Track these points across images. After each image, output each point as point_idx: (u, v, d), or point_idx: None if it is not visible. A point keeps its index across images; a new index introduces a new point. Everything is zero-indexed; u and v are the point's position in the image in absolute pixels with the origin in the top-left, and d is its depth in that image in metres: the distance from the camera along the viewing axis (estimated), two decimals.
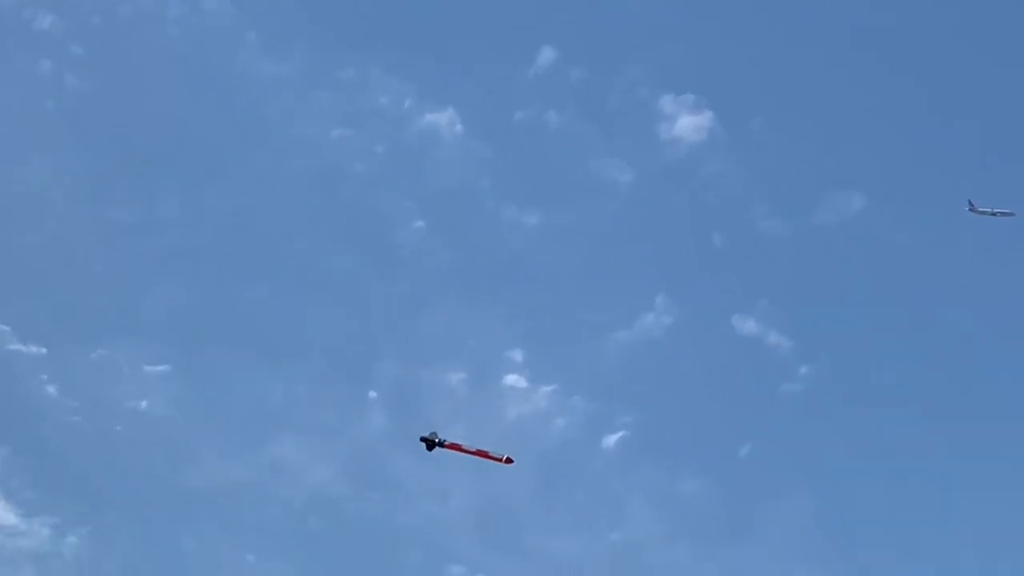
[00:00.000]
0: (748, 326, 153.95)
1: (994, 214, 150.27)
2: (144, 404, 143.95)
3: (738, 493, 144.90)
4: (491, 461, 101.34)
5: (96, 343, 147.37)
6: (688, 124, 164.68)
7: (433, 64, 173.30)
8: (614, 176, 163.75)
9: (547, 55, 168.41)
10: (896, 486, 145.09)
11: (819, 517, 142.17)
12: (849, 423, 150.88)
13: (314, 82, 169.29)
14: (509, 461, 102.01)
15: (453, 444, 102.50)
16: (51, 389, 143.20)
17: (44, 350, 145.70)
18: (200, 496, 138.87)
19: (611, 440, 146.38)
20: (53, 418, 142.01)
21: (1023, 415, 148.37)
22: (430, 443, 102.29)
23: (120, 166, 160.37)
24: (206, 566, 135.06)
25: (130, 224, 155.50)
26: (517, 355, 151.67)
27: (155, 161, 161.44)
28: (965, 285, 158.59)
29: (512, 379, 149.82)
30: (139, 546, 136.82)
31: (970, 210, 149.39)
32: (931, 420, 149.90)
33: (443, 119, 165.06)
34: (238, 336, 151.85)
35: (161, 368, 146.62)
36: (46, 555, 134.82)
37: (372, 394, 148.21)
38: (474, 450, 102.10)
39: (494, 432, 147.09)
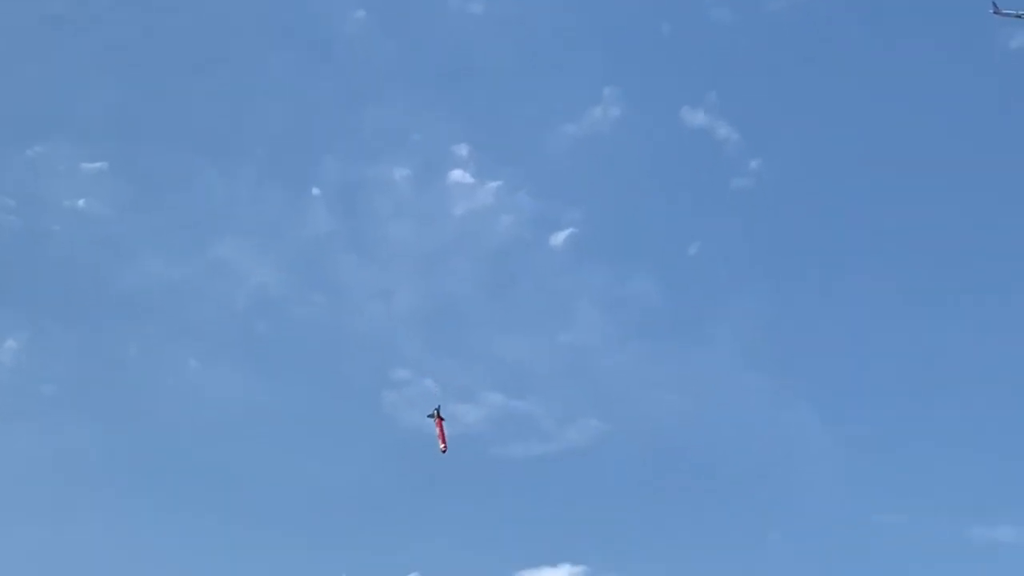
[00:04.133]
0: (697, 118, 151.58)
1: (1019, 16, 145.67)
2: (82, 203, 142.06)
3: (688, 293, 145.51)
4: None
5: (31, 140, 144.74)
6: None
7: None
8: None
9: None
10: (847, 283, 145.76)
11: (769, 316, 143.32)
12: (801, 219, 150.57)
13: None
14: (443, 450, 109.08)
15: (439, 421, 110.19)
16: None
17: None
18: (141, 299, 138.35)
19: (559, 238, 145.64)
20: None
21: (978, 212, 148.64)
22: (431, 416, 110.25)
23: None
24: (149, 372, 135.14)
25: (61, 16, 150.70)
26: (462, 149, 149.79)
27: None
28: (920, 74, 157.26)
29: (457, 174, 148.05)
30: (80, 350, 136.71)
31: (995, 12, 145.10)
32: (887, 215, 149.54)
33: None
34: (177, 133, 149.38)
35: (98, 165, 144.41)
36: None
37: (315, 191, 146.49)
38: (440, 427, 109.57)
39: (440, 231, 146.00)
